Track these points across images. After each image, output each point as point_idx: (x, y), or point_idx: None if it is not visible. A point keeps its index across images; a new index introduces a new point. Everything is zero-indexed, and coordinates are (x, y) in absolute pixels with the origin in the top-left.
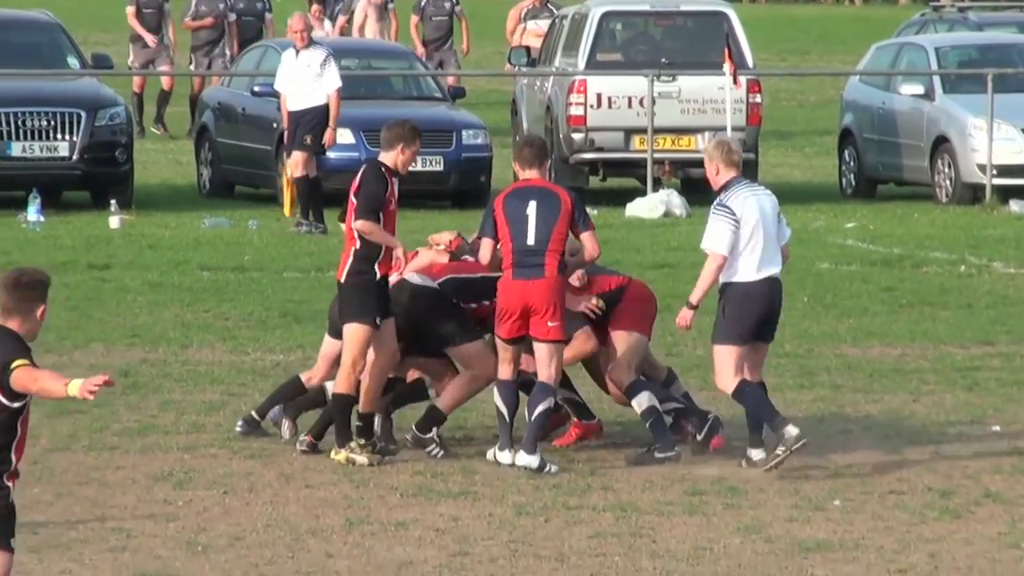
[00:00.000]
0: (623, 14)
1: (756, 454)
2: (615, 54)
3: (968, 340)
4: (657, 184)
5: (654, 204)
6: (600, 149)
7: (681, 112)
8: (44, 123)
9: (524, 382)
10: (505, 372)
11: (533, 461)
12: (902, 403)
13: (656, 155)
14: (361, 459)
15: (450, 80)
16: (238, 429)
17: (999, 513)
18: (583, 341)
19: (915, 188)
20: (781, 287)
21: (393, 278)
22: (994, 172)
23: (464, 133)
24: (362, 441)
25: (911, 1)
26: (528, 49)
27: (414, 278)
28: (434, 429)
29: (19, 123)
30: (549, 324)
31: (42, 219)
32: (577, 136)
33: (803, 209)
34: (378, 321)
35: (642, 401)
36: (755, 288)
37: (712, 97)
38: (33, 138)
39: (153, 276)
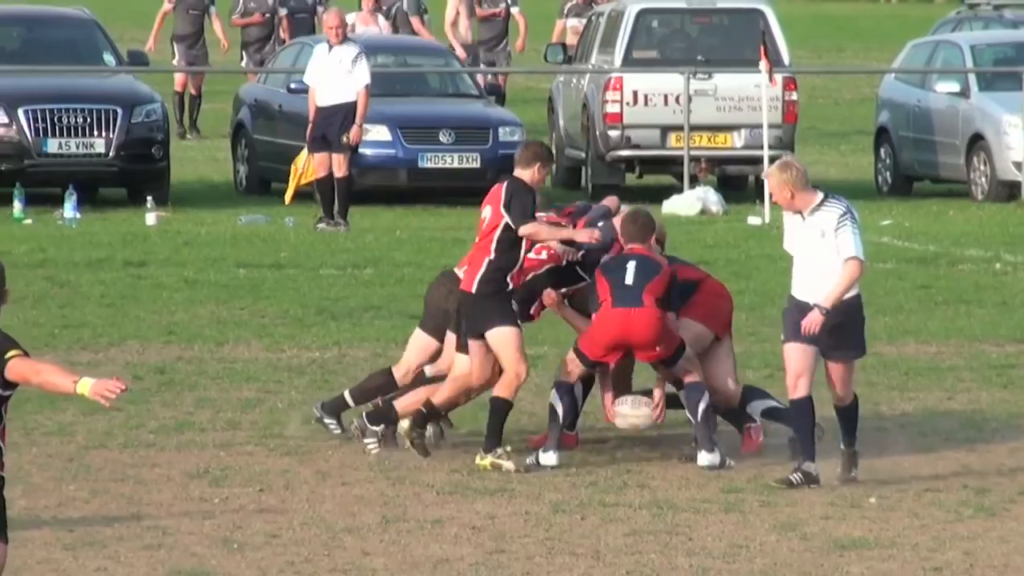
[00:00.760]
0: (659, 11)
1: (811, 466)
2: (651, 51)
3: (1003, 338)
4: (694, 181)
5: (691, 201)
6: (636, 146)
7: (717, 109)
8: (80, 120)
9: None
10: (571, 376)
11: (715, 459)
12: (937, 401)
13: (692, 152)
14: (508, 465)
15: (499, 79)
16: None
17: None
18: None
19: (951, 186)
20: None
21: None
22: None
23: (501, 130)
24: (508, 448)
25: None
26: (564, 46)
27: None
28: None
29: (55, 120)
30: (657, 349)
31: (78, 216)
32: (613, 133)
33: None
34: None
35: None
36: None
37: (748, 95)
38: (69, 135)
39: (189, 273)
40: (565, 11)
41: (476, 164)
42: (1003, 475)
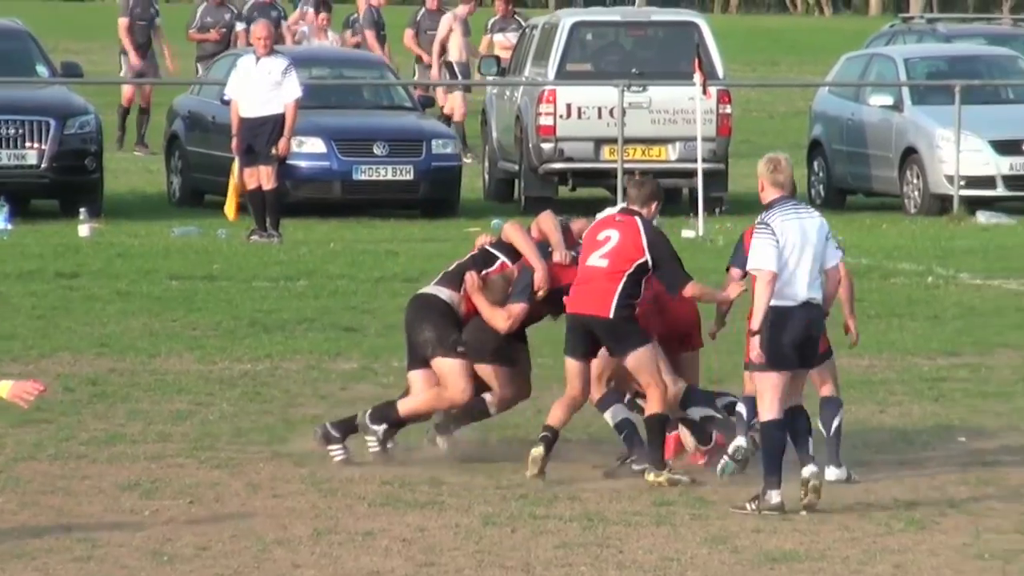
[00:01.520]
0: (594, 24)
1: (775, 496)
2: (585, 64)
3: (935, 351)
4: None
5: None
6: (570, 159)
7: (651, 122)
8: (12, 131)
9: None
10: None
11: (842, 474)
12: (869, 414)
13: (626, 165)
14: (684, 479)
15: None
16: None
17: (964, 524)
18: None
19: (884, 199)
20: (821, 312)
21: None
22: (962, 183)
23: (434, 143)
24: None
25: (881, 12)
26: (498, 59)
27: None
28: (383, 426)
29: None
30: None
31: (10, 227)
32: (546, 146)
33: None
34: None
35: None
36: (792, 313)
37: (682, 107)
38: (1, 146)
39: (122, 285)
40: (489, 26)
41: (410, 176)
42: (933, 488)
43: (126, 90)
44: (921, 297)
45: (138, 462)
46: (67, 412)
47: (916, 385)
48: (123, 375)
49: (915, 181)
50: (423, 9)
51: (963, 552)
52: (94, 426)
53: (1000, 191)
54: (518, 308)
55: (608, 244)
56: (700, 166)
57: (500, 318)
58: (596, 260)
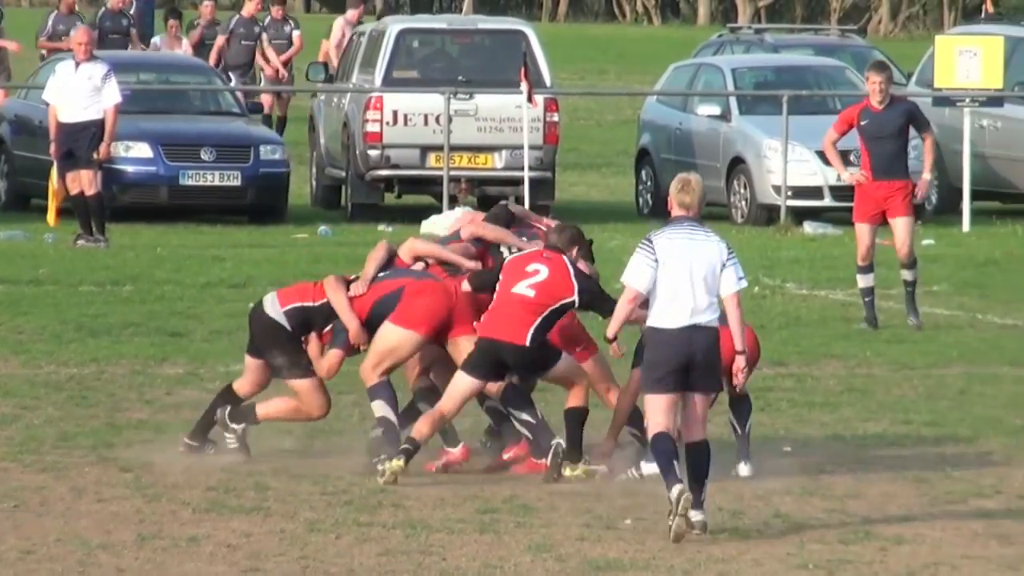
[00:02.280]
0: (420, 31)
1: (696, 515)
2: (412, 71)
3: (761, 360)
4: (453, 202)
5: (449, 222)
6: (396, 166)
7: (478, 130)
8: None
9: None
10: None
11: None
12: None
13: (452, 172)
14: (601, 469)
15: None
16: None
17: (788, 534)
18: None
19: (711, 208)
20: (711, 336)
21: None
22: (788, 193)
23: (262, 148)
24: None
25: (709, 22)
26: (326, 65)
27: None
28: (242, 426)
29: None
30: None
31: None
32: (373, 153)
33: (600, 228)
34: None
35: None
36: (671, 337)
37: (509, 115)
38: None
39: None
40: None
41: (237, 182)
42: (758, 498)
43: None
44: (747, 307)
45: None
46: None
47: None
48: None
49: (742, 191)
50: (237, 16)
51: (787, 562)
52: None
53: (827, 201)
54: (335, 356)
55: (537, 277)
56: (527, 174)
57: (322, 368)
58: (523, 289)
